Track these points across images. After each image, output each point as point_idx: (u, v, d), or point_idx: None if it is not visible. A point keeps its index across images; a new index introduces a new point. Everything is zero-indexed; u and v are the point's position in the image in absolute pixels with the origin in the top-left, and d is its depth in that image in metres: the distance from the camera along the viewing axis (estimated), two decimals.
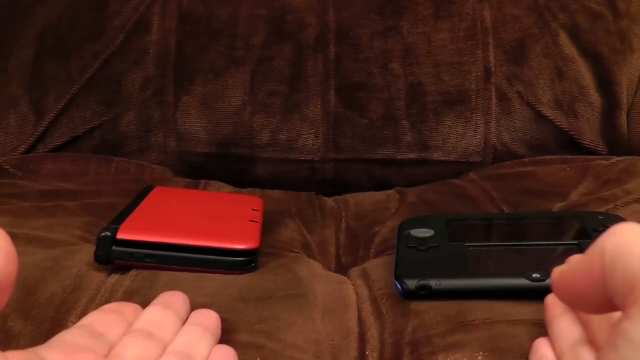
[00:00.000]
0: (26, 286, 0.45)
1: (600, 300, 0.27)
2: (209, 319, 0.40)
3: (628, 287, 0.24)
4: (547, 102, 0.79)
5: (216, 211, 0.57)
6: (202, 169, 0.79)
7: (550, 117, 0.79)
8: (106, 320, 0.37)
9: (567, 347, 0.35)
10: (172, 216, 0.55)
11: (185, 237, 0.50)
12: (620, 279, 0.25)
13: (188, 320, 0.40)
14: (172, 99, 0.79)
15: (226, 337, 0.41)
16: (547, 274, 0.44)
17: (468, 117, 0.79)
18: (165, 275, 0.48)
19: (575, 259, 0.30)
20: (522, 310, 0.43)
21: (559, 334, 0.36)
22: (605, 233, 0.26)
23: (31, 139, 0.78)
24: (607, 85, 0.80)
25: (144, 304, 0.41)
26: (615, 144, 0.79)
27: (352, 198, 0.73)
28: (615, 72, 0.80)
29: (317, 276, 0.51)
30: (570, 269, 0.29)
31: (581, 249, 0.49)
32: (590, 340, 0.34)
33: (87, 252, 0.51)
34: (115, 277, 0.48)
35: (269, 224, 0.60)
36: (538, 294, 0.41)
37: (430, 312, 0.44)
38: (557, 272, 0.30)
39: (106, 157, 0.78)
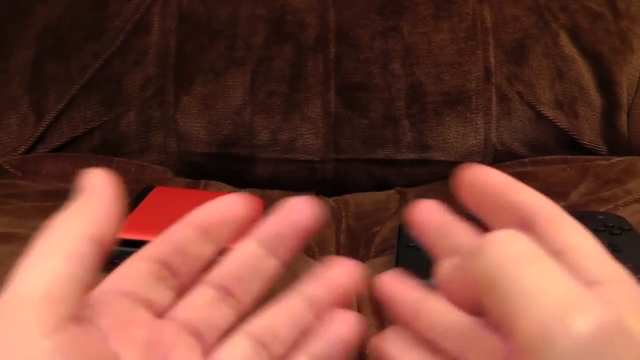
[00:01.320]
0: None
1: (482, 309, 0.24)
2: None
3: (500, 320, 0.21)
4: (547, 102, 0.79)
5: None
6: (202, 169, 0.79)
7: (550, 117, 0.79)
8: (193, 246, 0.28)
9: None
10: (172, 216, 0.55)
11: None
12: (493, 308, 0.21)
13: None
14: (172, 99, 0.79)
15: None
16: None
17: (468, 117, 0.79)
18: None
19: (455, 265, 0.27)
20: None
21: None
22: (478, 248, 0.22)
23: (31, 139, 0.78)
24: (607, 85, 0.80)
25: None
26: (615, 144, 0.79)
27: (352, 198, 0.73)
28: (615, 72, 0.80)
29: None
30: (450, 277, 0.27)
31: None
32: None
33: None
34: None
35: None
36: None
37: None
38: (441, 273, 0.28)
39: (106, 157, 0.78)
